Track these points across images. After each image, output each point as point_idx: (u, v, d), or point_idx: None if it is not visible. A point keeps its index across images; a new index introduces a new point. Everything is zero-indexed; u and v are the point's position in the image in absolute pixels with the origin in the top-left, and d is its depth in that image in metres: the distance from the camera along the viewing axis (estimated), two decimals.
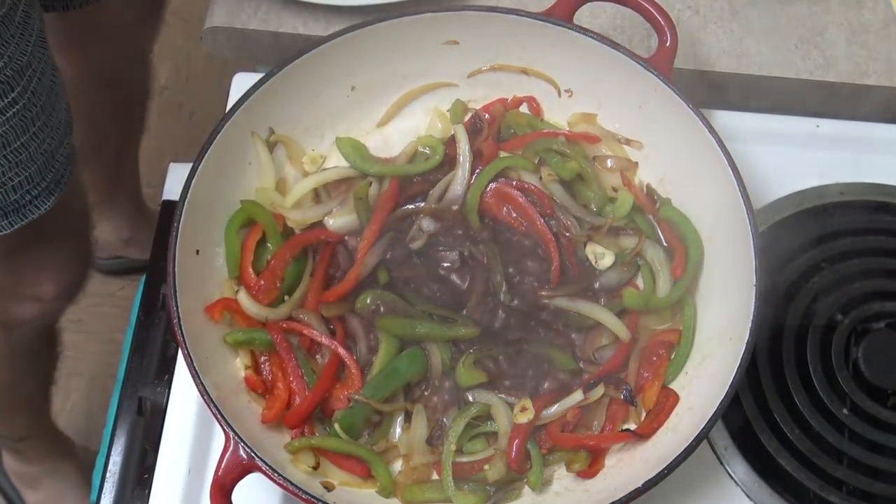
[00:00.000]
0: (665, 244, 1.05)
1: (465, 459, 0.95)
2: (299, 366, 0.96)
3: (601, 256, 1.04)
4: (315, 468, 0.92)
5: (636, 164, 1.09)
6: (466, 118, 1.11)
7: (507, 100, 1.12)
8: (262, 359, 0.98)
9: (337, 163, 1.09)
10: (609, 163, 1.08)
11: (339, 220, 1.05)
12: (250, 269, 1.00)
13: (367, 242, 1.02)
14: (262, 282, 1.00)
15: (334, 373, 0.96)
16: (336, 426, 0.94)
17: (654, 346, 1.00)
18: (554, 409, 0.96)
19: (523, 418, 0.95)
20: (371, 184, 1.06)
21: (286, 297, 1.00)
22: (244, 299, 0.99)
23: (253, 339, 0.97)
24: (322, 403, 0.96)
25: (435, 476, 0.96)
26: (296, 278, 1.01)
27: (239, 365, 0.97)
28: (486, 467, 0.94)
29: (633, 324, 1.01)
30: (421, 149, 1.09)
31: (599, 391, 0.96)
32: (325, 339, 0.97)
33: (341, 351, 0.97)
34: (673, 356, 0.99)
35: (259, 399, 0.97)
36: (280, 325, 0.98)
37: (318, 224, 1.05)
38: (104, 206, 2.16)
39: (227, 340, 0.97)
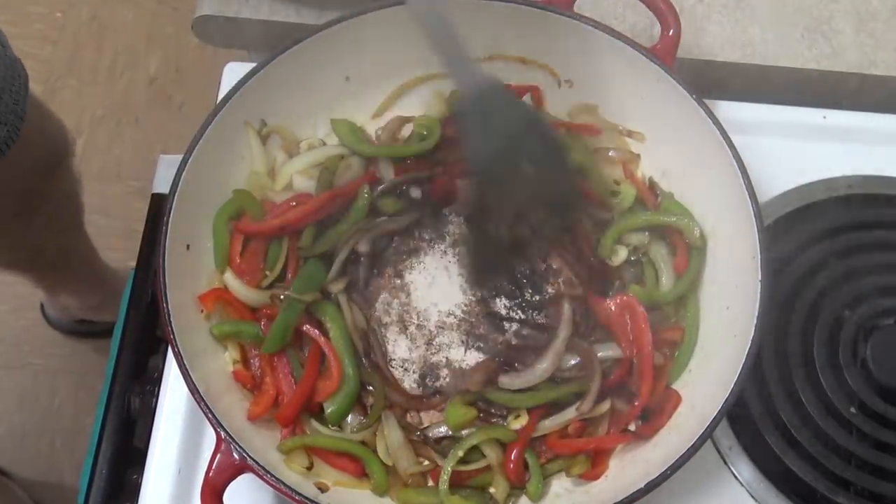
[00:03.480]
0: (667, 239, 1.04)
1: (460, 468, 0.93)
2: (288, 361, 0.95)
3: (615, 252, 1.02)
4: (309, 468, 0.91)
5: (638, 156, 1.07)
6: None
7: (510, 87, 1.10)
8: (253, 352, 0.96)
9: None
10: (611, 155, 1.07)
11: (308, 182, 1.04)
12: (238, 259, 0.99)
13: (307, 207, 1.00)
14: (244, 265, 0.99)
15: (317, 362, 0.95)
16: (328, 413, 0.94)
17: (657, 344, 0.98)
18: (551, 421, 0.95)
19: (517, 424, 0.93)
20: (344, 158, 1.05)
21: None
22: (230, 279, 0.98)
23: (240, 331, 0.96)
24: (311, 398, 0.94)
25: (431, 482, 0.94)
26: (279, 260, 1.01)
27: (228, 360, 0.96)
28: (492, 490, 0.92)
29: None
30: (417, 130, 1.08)
31: (606, 405, 0.95)
32: (304, 326, 0.97)
33: (319, 337, 0.96)
34: (676, 354, 0.98)
35: (250, 396, 0.95)
36: (265, 312, 0.97)
37: None
38: (62, 281, 2.09)
39: (213, 332, 0.95)
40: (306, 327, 0.96)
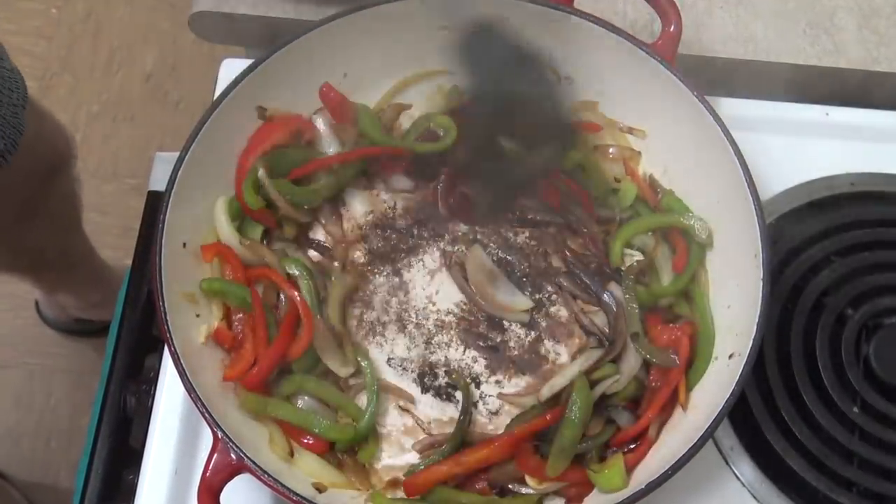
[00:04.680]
0: (668, 240, 1.03)
1: None
2: (267, 326, 0.95)
3: (624, 259, 1.01)
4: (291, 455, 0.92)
5: (639, 153, 1.07)
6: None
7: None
8: (237, 316, 0.96)
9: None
10: (611, 152, 1.06)
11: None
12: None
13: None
14: None
15: (293, 324, 0.95)
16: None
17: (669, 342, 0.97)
18: None
19: None
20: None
21: None
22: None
23: (227, 291, 0.96)
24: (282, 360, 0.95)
25: None
26: None
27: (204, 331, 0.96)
28: None
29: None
30: (434, 127, 1.07)
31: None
32: (284, 284, 0.97)
33: (294, 294, 0.96)
34: (695, 358, 0.96)
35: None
36: (257, 273, 0.98)
37: None
38: (61, 281, 2.07)
39: (202, 287, 0.95)
40: (282, 283, 0.97)
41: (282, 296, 0.98)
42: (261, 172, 0.98)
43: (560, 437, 0.90)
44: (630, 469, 0.91)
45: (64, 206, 1.77)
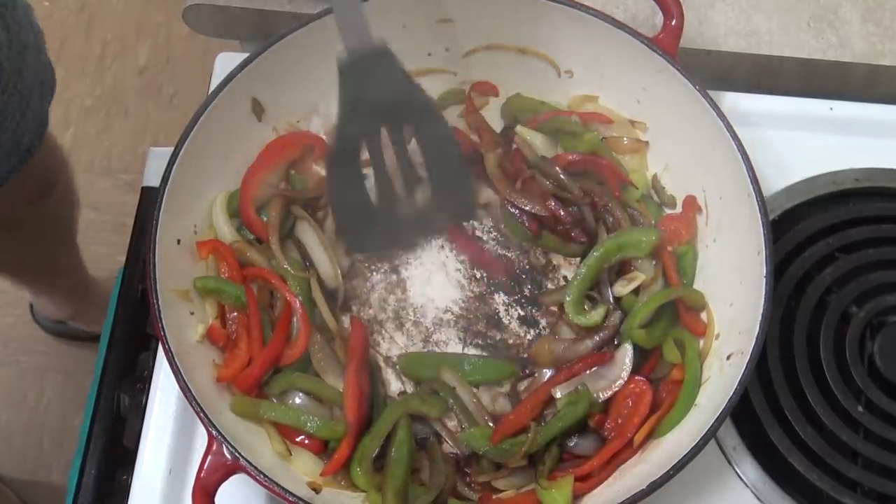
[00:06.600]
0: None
1: None
2: (262, 326, 0.95)
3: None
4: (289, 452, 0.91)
5: (647, 143, 1.06)
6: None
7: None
8: (232, 314, 0.96)
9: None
10: (626, 141, 1.06)
11: None
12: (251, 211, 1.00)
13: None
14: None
15: (287, 324, 0.95)
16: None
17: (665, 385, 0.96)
18: None
19: None
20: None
21: None
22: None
23: (222, 290, 0.96)
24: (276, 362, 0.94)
25: None
26: None
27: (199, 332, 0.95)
28: None
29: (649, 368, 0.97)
30: None
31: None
32: (281, 286, 0.96)
33: (290, 297, 0.95)
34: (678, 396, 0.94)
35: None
36: (246, 273, 0.97)
37: None
38: (43, 286, 2.05)
39: (196, 285, 0.95)
40: (279, 285, 0.96)
41: (276, 296, 0.97)
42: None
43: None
44: (578, 496, 0.89)
45: (50, 226, 1.75)
